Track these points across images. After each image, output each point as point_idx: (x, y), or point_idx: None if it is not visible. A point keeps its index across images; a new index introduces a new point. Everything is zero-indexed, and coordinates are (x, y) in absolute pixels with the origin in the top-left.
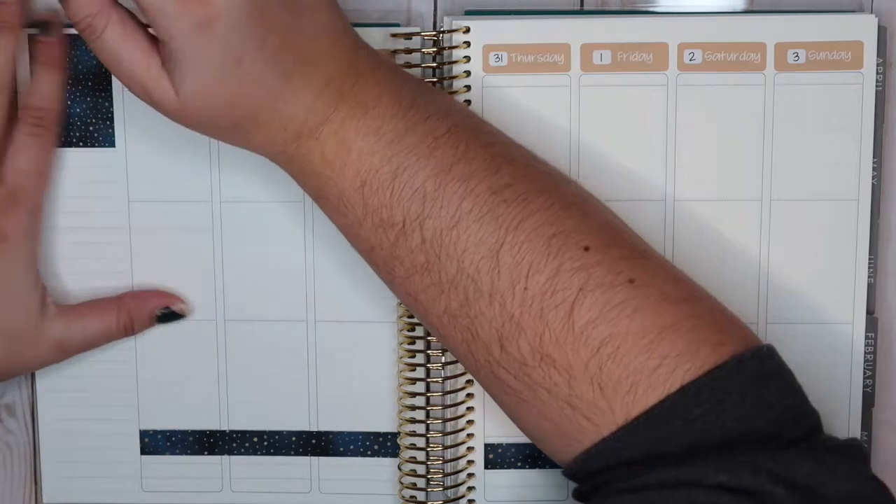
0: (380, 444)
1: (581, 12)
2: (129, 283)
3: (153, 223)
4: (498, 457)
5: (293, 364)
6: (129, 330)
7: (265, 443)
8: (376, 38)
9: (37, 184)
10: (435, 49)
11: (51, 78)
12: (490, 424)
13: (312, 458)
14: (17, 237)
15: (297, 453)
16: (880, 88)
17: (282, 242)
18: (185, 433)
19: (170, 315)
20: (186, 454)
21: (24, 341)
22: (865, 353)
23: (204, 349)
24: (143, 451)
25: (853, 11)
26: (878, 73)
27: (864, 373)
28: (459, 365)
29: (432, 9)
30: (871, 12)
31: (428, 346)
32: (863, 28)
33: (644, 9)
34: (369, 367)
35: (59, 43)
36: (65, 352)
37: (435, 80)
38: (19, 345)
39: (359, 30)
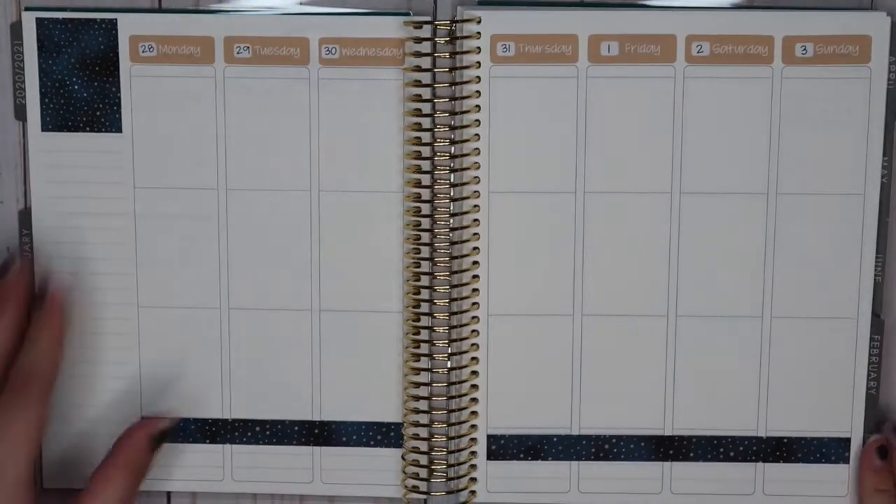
0: (383, 435)
1: (590, 4)
2: (134, 270)
3: (159, 209)
4: (501, 448)
5: (297, 353)
6: (140, 472)
7: (267, 432)
8: (390, 27)
9: (19, 452)
10: (449, 38)
11: (45, 342)
12: (493, 415)
13: (315, 447)
14: None
15: (299, 443)
16: (892, 87)
17: (287, 231)
18: (187, 421)
19: (162, 437)
20: (188, 442)
21: None
22: (871, 354)
23: (207, 337)
24: None
25: (862, 9)
26: (890, 70)
27: (869, 374)
28: (464, 356)
29: None
30: (882, 9)
31: (432, 337)
32: (872, 23)
33: (649, 2)
34: (373, 357)
35: (57, 309)
36: None
37: (447, 69)
38: None
39: (369, 19)
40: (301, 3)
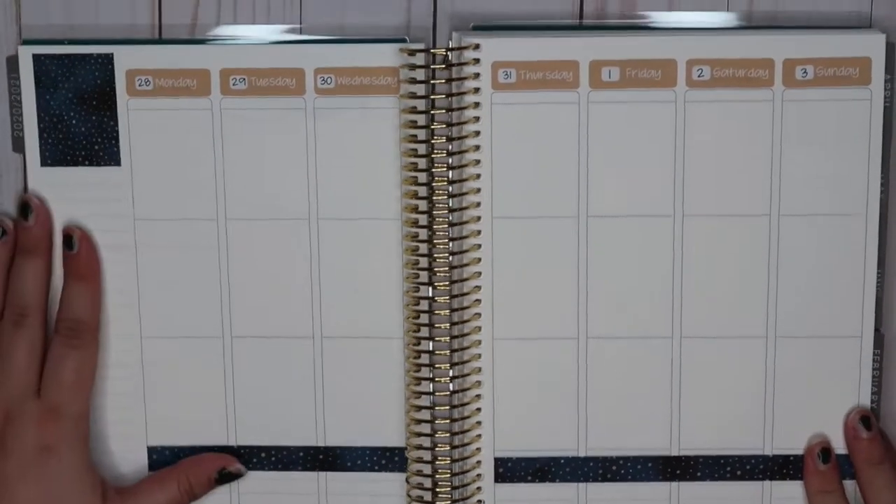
0: (387, 459)
1: (583, 27)
2: (136, 301)
3: (159, 241)
4: (508, 471)
5: (300, 380)
6: (191, 496)
7: (273, 458)
8: (386, 55)
9: (77, 394)
10: (444, 65)
11: (81, 289)
12: (501, 438)
13: (320, 473)
14: (63, 447)
15: (304, 468)
16: (888, 105)
17: (287, 259)
18: (192, 449)
19: (227, 476)
20: None
21: None
22: (872, 369)
23: (211, 366)
24: (151, 467)
25: (854, 27)
26: (886, 89)
27: (870, 389)
28: (468, 378)
29: (431, 22)
30: (871, 25)
31: (433, 361)
32: (870, 45)
33: (642, 24)
34: (377, 382)
35: (84, 255)
36: None
37: (444, 95)
38: None
39: (365, 46)
40: (294, 31)
